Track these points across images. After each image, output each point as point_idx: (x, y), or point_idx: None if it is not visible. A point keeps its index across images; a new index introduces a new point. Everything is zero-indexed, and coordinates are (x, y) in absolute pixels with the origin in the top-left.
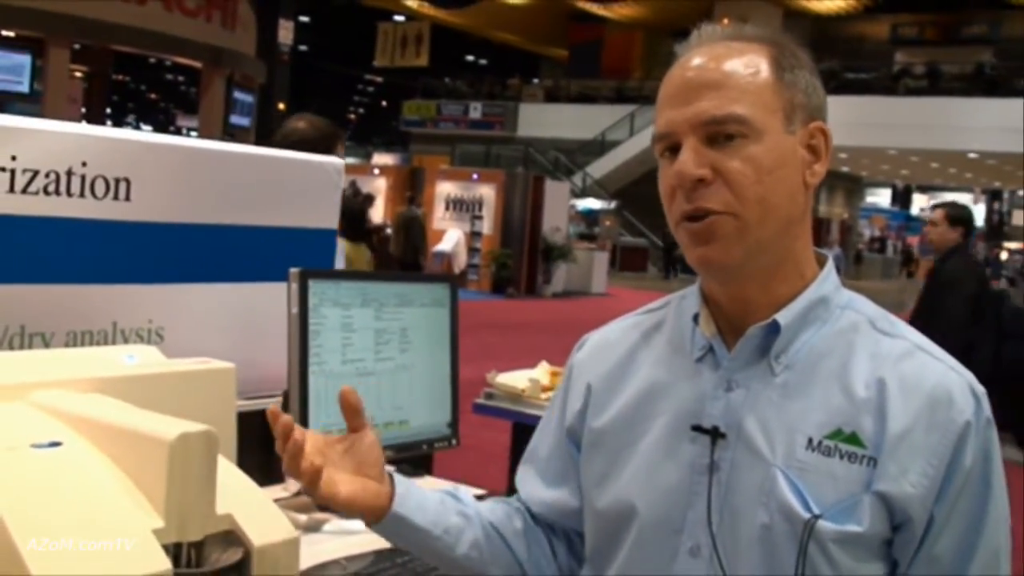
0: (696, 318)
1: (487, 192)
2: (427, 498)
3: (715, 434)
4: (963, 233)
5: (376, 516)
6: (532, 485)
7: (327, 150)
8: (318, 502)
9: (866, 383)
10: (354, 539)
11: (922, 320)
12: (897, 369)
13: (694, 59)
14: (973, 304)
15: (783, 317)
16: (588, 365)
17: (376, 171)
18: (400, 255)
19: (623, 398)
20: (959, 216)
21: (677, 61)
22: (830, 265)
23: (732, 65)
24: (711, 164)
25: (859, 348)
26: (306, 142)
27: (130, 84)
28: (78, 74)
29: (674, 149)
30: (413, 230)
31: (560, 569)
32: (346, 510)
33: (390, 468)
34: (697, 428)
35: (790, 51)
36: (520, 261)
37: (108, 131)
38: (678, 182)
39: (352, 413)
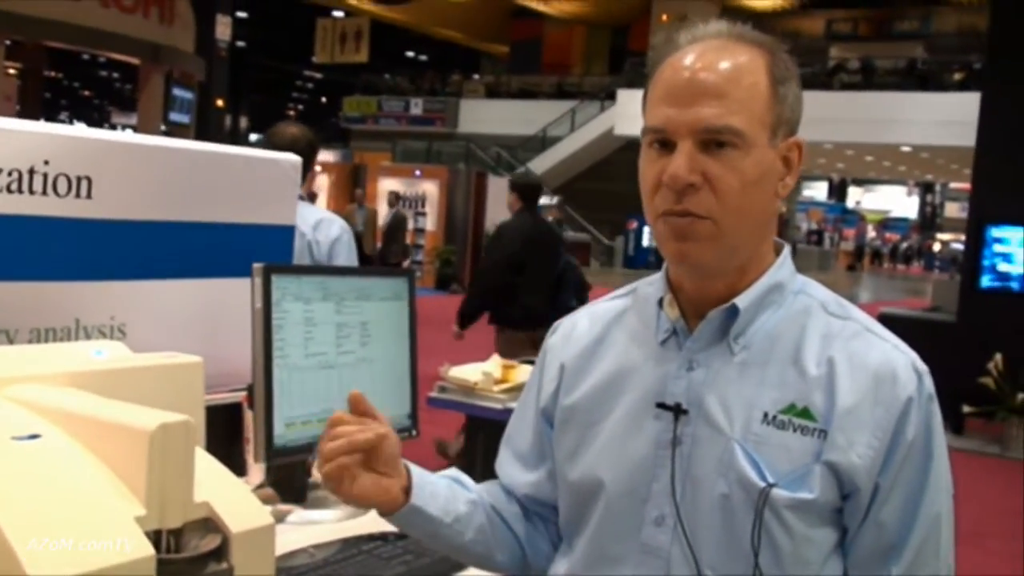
0: (661, 302)
1: (430, 188)
2: (437, 486)
3: (678, 410)
4: (519, 197)
5: (390, 508)
6: (513, 471)
7: (315, 151)
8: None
9: (817, 362)
10: (319, 529)
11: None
12: (846, 349)
13: (690, 56)
14: (518, 257)
15: (742, 301)
16: (561, 348)
17: (318, 168)
18: (397, 255)
19: (593, 378)
20: (515, 183)
21: (671, 54)
22: (786, 253)
23: (733, 71)
24: (702, 170)
25: (811, 330)
26: (312, 145)
27: (63, 81)
28: (11, 71)
29: (664, 143)
30: (401, 231)
31: (553, 546)
32: (356, 505)
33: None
34: (661, 405)
35: (783, 61)
36: (464, 257)
37: (70, 129)
38: (669, 183)
39: (369, 415)
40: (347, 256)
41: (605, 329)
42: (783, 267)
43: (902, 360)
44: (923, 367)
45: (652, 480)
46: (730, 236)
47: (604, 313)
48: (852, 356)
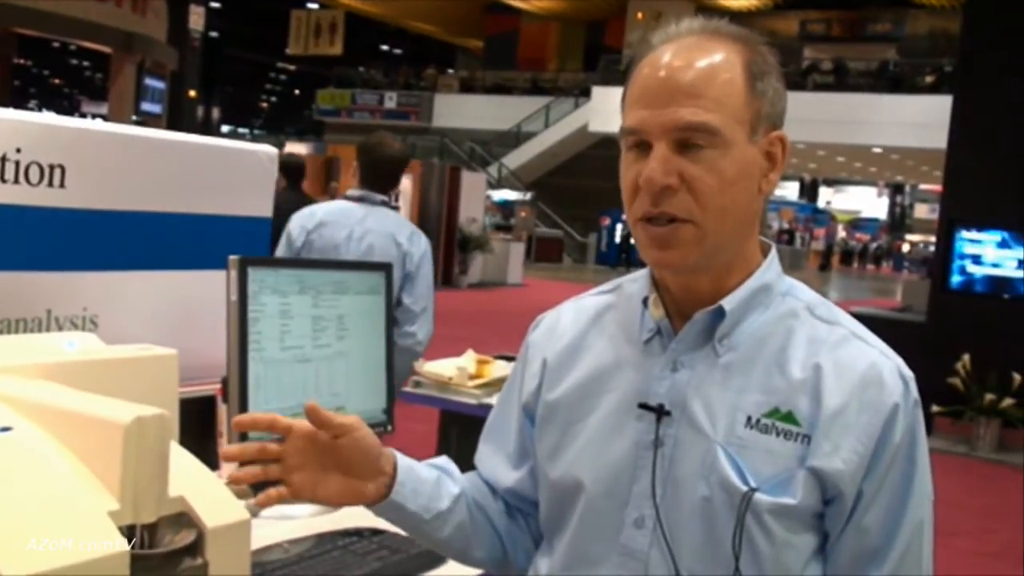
0: (646, 301)
1: (404, 182)
2: (423, 482)
3: (660, 412)
4: (284, 176)
5: (369, 502)
6: (495, 467)
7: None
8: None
9: (803, 366)
10: (294, 524)
11: None
12: (833, 354)
13: (666, 56)
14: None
15: (728, 303)
16: (543, 343)
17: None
18: None
19: (575, 375)
20: (281, 163)
21: (648, 55)
22: (773, 254)
23: (707, 70)
24: (679, 171)
25: (797, 333)
26: (408, 159)
27: (32, 68)
28: None
29: (641, 144)
30: None
31: (535, 543)
32: (326, 504)
33: (392, 450)
34: (644, 406)
35: (761, 56)
36: (437, 252)
37: (43, 117)
38: (645, 186)
39: (326, 427)
40: (429, 268)
41: (589, 325)
42: (770, 268)
43: (888, 366)
44: (909, 373)
45: (632, 481)
46: (713, 236)
47: (588, 309)
48: (838, 362)
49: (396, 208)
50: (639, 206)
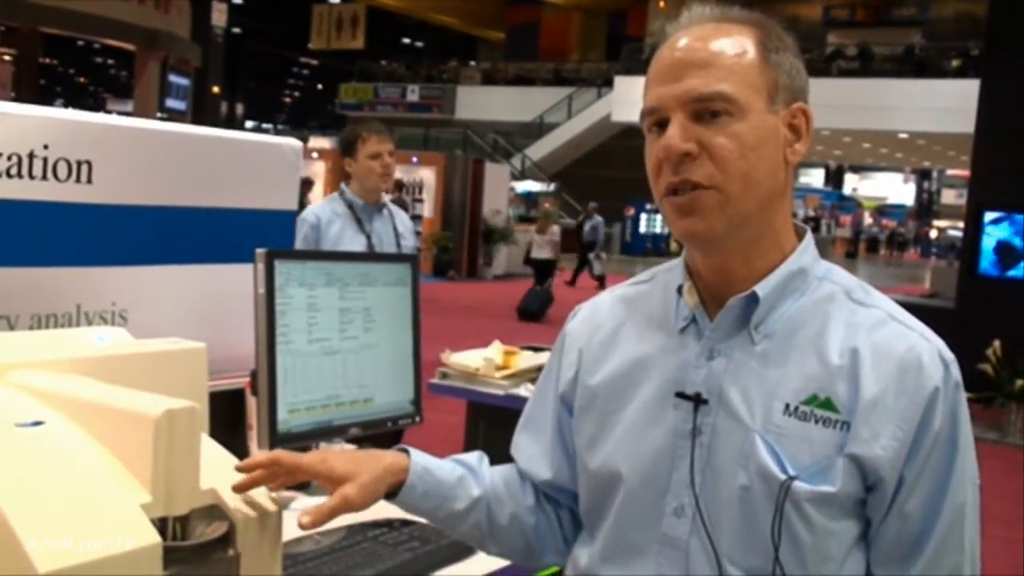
0: (680, 290)
1: (427, 175)
2: (439, 483)
3: (697, 400)
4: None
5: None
6: (532, 457)
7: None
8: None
9: (840, 351)
10: None
11: None
12: (871, 338)
13: (682, 39)
14: None
15: (762, 288)
16: (581, 333)
17: (315, 155)
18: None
19: (612, 364)
20: None
21: (666, 42)
22: (808, 238)
23: (719, 45)
24: (697, 139)
25: (835, 317)
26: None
27: (58, 67)
28: (7, 57)
29: (661, 124)
30: None
31: (565, 539)
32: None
33: (405, 448)
34: (680, 395)
35: (776, 34)
36: (461, 244)
37: (70, 113)
38: (665, 155)
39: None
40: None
41: (625, 315)
42: (806, 252)
43: (928, 349)
44: (950, 356)
45: (672, 470)
46: (737, 203)
47: (625, 298)
48: (877, 346)
49: (420, 200)
50: (663, 180)
